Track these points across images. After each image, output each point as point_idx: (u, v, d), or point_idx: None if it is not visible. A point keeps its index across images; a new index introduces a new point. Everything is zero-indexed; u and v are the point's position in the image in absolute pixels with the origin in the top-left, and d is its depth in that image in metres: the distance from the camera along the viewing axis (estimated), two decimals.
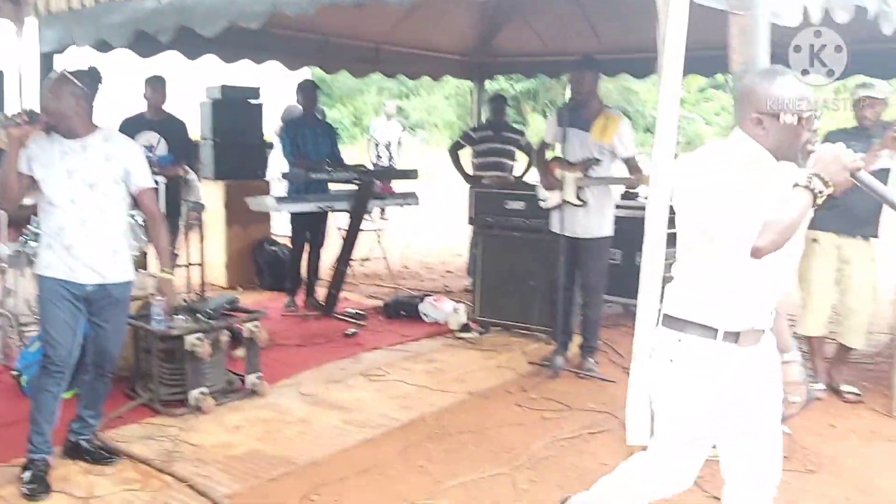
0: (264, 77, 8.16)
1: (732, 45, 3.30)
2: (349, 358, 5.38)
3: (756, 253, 2.19)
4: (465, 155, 7.48)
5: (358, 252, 7.99)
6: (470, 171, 7.32)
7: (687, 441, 2.47)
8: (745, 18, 3.23)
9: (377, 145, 12.20)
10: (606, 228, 5.08)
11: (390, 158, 12.15)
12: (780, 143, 2.25)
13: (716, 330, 2.29)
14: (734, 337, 2.29)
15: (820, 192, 2.11)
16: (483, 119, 8.23)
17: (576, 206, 5.02)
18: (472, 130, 7.44)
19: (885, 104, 4.60)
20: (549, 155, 5.25)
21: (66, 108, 3.38)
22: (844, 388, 4.81)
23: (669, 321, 2.38)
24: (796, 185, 2.13)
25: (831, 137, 4.75)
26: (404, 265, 8.72)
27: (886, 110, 4.71)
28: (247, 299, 6.95)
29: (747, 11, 3.24)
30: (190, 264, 5.47)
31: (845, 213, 4.66)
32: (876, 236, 4.77)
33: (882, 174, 4.68)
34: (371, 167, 12.10)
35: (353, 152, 18.40)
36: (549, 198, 5.18)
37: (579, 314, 5.34)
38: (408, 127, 28.01)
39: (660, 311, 2.45)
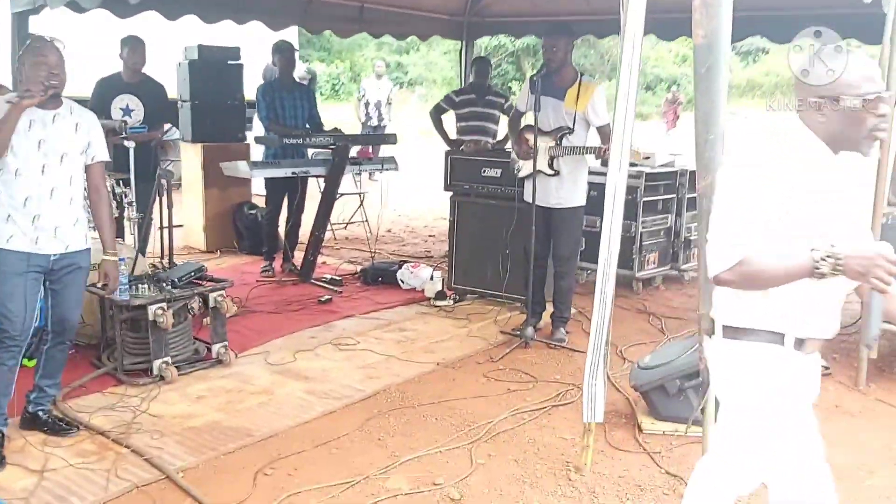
0: (248, 37, 8.02)
1: (695, 18, 3.20)
2: (321, 326, 5.37)
3: (715, 279, 2.10)
4: (450, 118, 7.39)
5: (341, 215, 7.96)
6: (454, 134, 7.24)
7: (751, 446, 2.30)
8: None
9: (367, 105, 12.06)
10: (579, 198, 5.02)
11: (380, 118, 12.02)
12: (842, 129, 2.06)
13: (783, 335, 2.16)
14: (800, 344, 2.17)
15: (820, 274, 1.96)
16: (467, 82, 8.09)
17: (548, 175, 4.96)
18: (455, 94, 7.33)
19: None
20: (522, 122, 5.18)
21: (64, 77, 3.42)
22: None
23: (729, 331, 2.23)
24: (812, 249, 1.98)
25: None
26: (388, 229, 8.67)
27: None
28: (225, 263, 6.98)
29: None
30: (162, 227, 5.41)
31: None
32: None
33: None
34: (360, 127, 12.03)
35: (349, 109, 18.26)
36: (522, 167, 5.12)
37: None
38: (406, 83, 27.79)
39: (713, 321, 2.30)
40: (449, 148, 6.88)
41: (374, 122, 12.00)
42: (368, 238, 6.93)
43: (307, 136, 6.04)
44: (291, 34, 10.09)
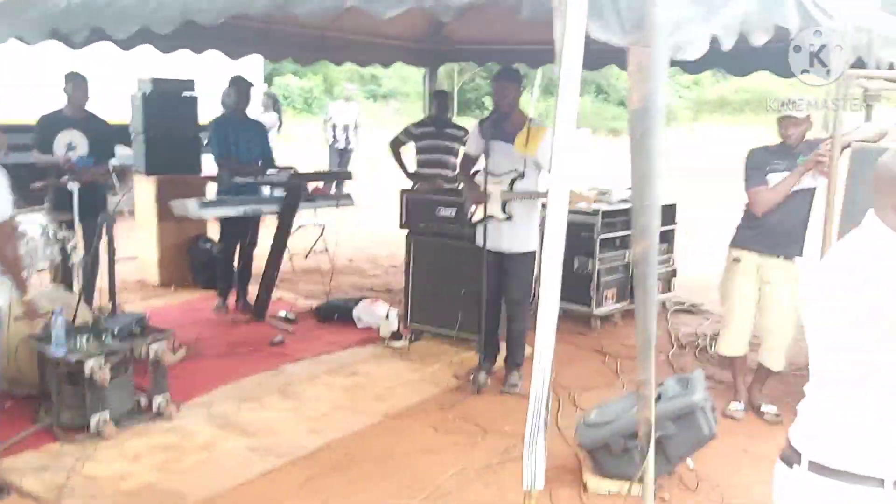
0: (209, 64, 7.92)
1: (630, 83, 3.14)
2: (270, 370, 5.25)
3: None
4: (410, 149, 7.35)
5: (302, 244, 7.87)
6: (413, 167, 7.21)
7: None
8: (642, 54, 3.08)
9: (334, 127, 11.99)
10: (532, 243, 4.97)
11: (347, 141, 11.94)
12: None
13: (883, 479, 1.94)
14: None
15: None
16: (428, 113, 8.06)
17: (501, 219, 4.91)
18: (414, 126, 7.29)
19: (808, 122, 4.48)
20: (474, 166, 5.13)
21: None
22: (764, 407, 4.77)
23: (819, 469, 1.99)
24: None
25: (755, 155, 4.66)
26: (350, 258, 8.57)
27: (811, 128, 4.60)
28: (179, 298, 6.87)
29: (647, 47, 3.09)
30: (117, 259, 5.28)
31: (767, 232, 4.58)
32: (800, 255, 4.68)
33: (807, 194, 4.61)
34: (327, 149, 11.98)
35: (321, 123, 18.18)
36: (475, 211, 5.06)
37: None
38: (380, 95, 27.72)
39: (793, 449, 2.07)
40: (407, 181, 6.86)
41: (342, 144, 11.92)
42: (332, 268, 6.82)
43: (260, 174, 5.95)
44: (255, 63, 10.00)
